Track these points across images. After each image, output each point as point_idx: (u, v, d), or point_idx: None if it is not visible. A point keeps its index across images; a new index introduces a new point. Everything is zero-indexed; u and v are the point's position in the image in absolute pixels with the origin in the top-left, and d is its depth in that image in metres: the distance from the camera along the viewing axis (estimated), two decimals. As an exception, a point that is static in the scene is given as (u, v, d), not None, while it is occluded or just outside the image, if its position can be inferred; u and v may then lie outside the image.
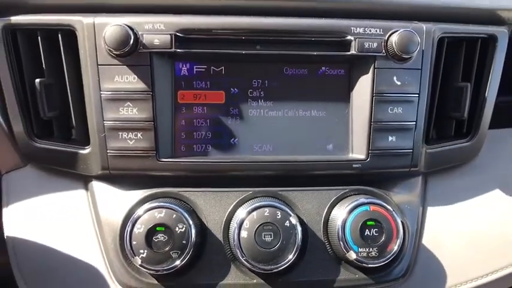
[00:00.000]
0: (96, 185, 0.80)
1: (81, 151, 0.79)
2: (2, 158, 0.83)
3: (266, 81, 0.80)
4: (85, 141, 0.80)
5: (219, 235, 0.77)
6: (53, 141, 0.80)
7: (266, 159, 0.79)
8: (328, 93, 0.80)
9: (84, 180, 0.82)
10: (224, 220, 0.77)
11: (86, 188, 0.82)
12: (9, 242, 0.78)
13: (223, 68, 0.79)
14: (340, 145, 0.81)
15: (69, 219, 0.80)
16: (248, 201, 0.77)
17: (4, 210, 0.80)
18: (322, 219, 0.78)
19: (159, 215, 0.72)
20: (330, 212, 0.79)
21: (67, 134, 0.83)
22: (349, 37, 0.77)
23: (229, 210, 0.77)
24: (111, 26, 0.72)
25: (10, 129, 0.80)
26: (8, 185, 0.82)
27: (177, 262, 0.71)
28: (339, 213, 0.76)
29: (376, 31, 0.77)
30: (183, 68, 0.79)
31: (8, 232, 0.79)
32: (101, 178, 0.80)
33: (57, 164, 0.81)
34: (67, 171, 0.81)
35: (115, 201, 0.79)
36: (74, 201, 0.81)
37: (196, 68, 0.79)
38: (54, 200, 0.81)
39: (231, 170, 0.79)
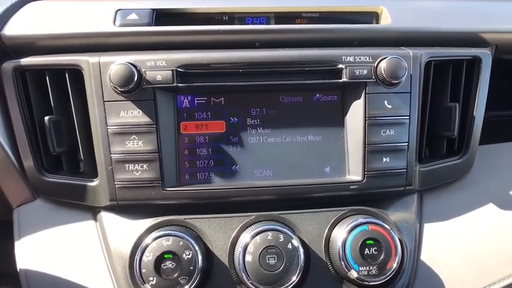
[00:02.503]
0: (104, 215, 0.83)
1: (90, 183, 0.82)
2: (13, 193, 0.86)
3: (264, 110, 0.84)
4: (93, 174, 0.83)
5: (225, 259, 0.79)
6: (62, 175, 0.84)
7: (267, 184, 0.82)
8: (323, 118, 0.84)
9: (93, 211, 0.85)
10: (229, 245, 0.79)
11: (95, 219, 0.85)
12: (22, 274, 0.81)
13: (222, 99, 0.83)
14: (337, 168, 0.84)
15: (80, 250, 0.82)
16: (251, 225, 0.80)
17: (16, 243, 0.83)
18: (323, 240, 0.81)
19: (167, 243, 0.75)
20: (331, 233, 0.81)
21: (75, 168, 0.87)
22: (340, 65, 0.81)
23: (233, 235, 0.80)
24: (115, 64, 0.76)
25: (21, 165, 0.83)
26: (19, 218, 0.85)
27: (186, 288, 0.74)
28: (339, 234, 0.79)
29: (365, 59, 0.81)
30: (184, 101, 0.83)
31: (20, 264, 0.81)
32: (109, 209, 0.83)
33: (67, 197, 0.84)
34: (76, 203, 0.84)
35: (123, 231, 0.81)
36: (83, 232, 0.84)
37: (197, 100, 0.83)
38: (65, 231, 0.84)
39: (233, 196, 0.82)
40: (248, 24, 0.90)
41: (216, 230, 0.81)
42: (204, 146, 0.83)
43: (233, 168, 0.83)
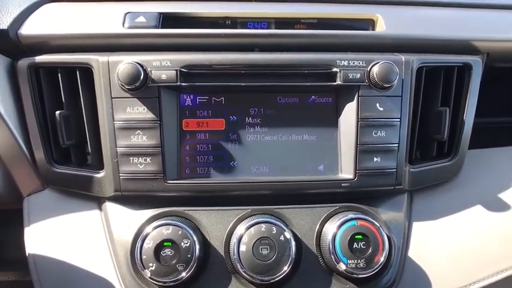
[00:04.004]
0: (109, 205, 0.88)
1: (96, 175, 0.87)
2: (24, 182, 0.91)
3: (262, 109, 0.88)
4: (99, 166, 0.88)
5: (221, 249, 0.84)
6: (71, 167, 0.88)
7: (263, 179, 0.86)
8: (318, 119, 0.88)
9: (98, 202, 0.90)
10: (225, 236, 0.84)
11: (100, 208, 0.89)
12: (31, 259, 0.86)
13: (223, 98, 0.88)
14: (330, 166, 0.88)
15: (85, 237, 0.87)
16: (247, 218, 0.84)
17: (26, 229, 0.88)
18: (315, 234, 0.85)
19: (167, 232, 0.79)
20: (322, 227, 0.85)
21: (83, 160, 0.91)
22: (335, 69, 0.85)
23: (229, 226, 0.84)
24: (123, 63, 0.80)
25: (32, 156, 0.88)
26: (29, 207, 0.90)
27: (183, 274, 0.78)
28: (330, 228, 0.83)
29: (359, 63, 0.85)
30: (187, 99, 0.87)
31: (29, 250, 0.86)
32: (113, 199, 0.88)
33: (74, 187, 0.89)
34: (83, 193, 0.89)
35: (126, 220, 0.86)
36: (88, 221, 0.88)
37: (199, 99, 0.88)
38: (71, 219, 0.88)
39: (231, 190, 0.86)
40: (250, 28, 0.94)
41: (213, 222, 0.85)
42: (204, 142, 0.87)
43: (231, 164, 0.87)
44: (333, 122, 0.88)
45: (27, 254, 0.86)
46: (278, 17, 0.94)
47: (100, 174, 0.87)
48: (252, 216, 0.85)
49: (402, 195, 0.92)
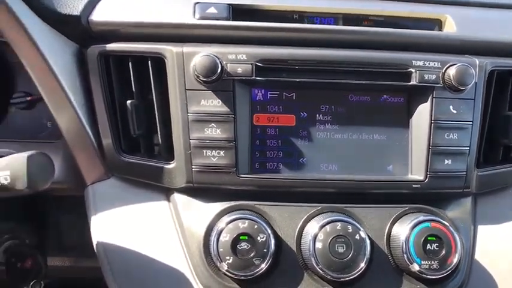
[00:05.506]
0: (177, 196, 0.87)
1: (167, 166, 0.86)
2: (88, 170, 0.90)
3: (333, 107, 0.88)
4: (168, 157, 0.87)
5: (292, 245, 0.83)
6: (140, 156, 0.88)
7: (332, 177, 0.86)
8: (389, 119, 0.88)
9: (166, 193, 0.89)
10: (296, 232, 0.84)
11: (168, 200, 0.89)
12: (100, 247, 0.85)
13: (294, 94, 0.87)
14: (400, 167, 0.87)
15: (154, 228, 0.87)
16: (317, 215, 0.84)
17: (92, 217, 0.88)
18: (385, 234, 0.85)
19: (243, 225, 0.79)
20: (392, 228, 0.85)
21: (150, 150, 0.91)
22: (410, 69, 0.85)
23: (300, 223, 0.84)
24: (201, 55, 0.80)
25: (99, 144, 0.87)
26: (94, 195, 0.89)
27: (261, 267, 0.78)
28: (402, 229, 0.83)
29: (434, 64, 0.85)
30: (258, 94, 0.87)
31: (97, 238, 0.86)
32: (182, 190, 0.87)
33: (143, 177, 0.88)
34: (149, 183, 0.88)
35: (197, 212, 0.86)
36: (157, 211, 0.88)
37: (270, 93, 0.87)
38: (139, 209, 0.88)
39: (300, 187, 0.86)
40: (317, 23, 0.93)
41: (284, 217, 0.85)
42: (274, 138, 0.87)
43: (300, 160, 0.87)
44: (404, 122, 0.88)
45: (95, 243, 0.86)
46: (346, 13, 0.93)
47: (171, 165, 0.86)
48: (322, 213, 0.85)
49: (467, 197, 0.92)
